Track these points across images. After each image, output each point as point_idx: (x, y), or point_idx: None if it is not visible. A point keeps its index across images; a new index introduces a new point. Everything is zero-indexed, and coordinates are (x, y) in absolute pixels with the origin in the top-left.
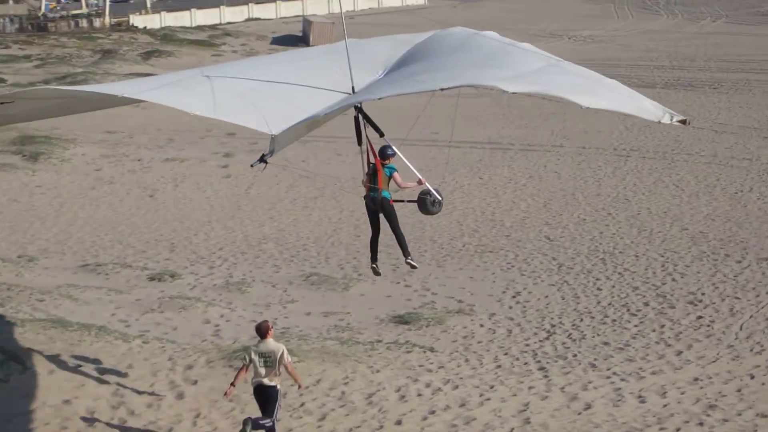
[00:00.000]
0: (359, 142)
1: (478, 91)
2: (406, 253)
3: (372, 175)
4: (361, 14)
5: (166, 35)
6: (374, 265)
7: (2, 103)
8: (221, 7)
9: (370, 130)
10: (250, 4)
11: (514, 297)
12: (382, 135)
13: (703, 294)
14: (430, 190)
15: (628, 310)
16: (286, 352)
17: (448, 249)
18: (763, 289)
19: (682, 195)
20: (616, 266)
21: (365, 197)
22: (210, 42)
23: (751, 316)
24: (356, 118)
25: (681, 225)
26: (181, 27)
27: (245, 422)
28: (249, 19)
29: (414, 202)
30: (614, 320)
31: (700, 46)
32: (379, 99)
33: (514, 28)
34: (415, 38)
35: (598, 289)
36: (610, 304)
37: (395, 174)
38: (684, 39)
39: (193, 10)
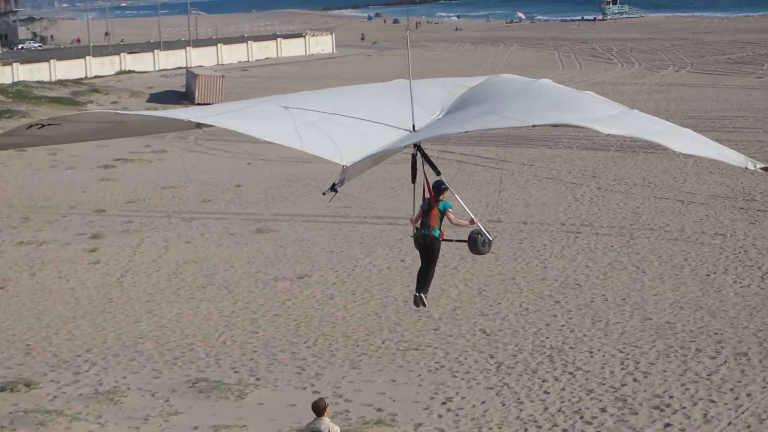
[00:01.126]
0: (413, 180)
1: (397, 158)
2: (425, 289)
3: (426, 212)
4: (256, 65)
5: (20, 92)
6: (418, 294)
7: (49, 125)
8: (87, 57)
9: (427, 168)
10: (122, 54)
11: (444, 404)
12: (438, 173)
13: (671, 397)
14: (481, 230)
15: (582, 417)
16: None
17: (364, 346)
18: (742, 390)
19: (644, 278)
20: (567, 365)
21: (415, 234)
22: (73, 100)
23: (729, 423)
24: (413, 156)
25: (643, 314)
26: (38, 82)
27: None
28: (121, 72)
29: (464, 242)
30: (565, 430)
31: (661, 100)
32: (465, 132)
33: None
34: (469, 82)
35: (545, 392)
36: (559, 411)
37: (449, 211)
38: (642, 92)
39: (52, 61)
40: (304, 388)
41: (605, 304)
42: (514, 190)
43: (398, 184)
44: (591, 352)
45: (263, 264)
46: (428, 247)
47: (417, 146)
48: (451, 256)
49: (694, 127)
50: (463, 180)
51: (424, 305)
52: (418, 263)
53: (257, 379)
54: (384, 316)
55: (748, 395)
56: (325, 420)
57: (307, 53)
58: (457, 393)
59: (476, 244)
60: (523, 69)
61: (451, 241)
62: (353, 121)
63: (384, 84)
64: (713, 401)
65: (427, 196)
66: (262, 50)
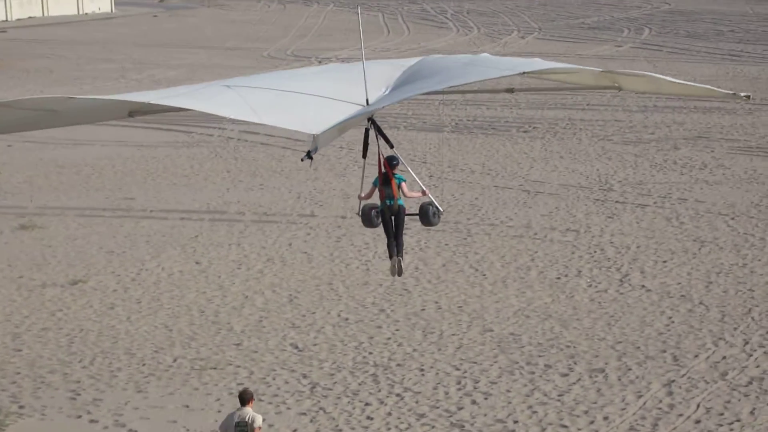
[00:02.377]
0: (364, 155)
1: (191, 139)
2: (401, 252)
3: (386, 184)
4: (18, 25)
5: None
6: (396, 259)
7: None
8: None
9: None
10: None
11: None
12: (392, 146)
13: (515, 422)
14: (432, 201)
15: None
16: (259, 420)
17: (152, 365)
18: (598, 413)
19: (484, 282)
20: (394, 385)
21: (381, 205)
22: None
23: None
24: (366, 130)
25: (483, 324)
26: None
27: None
28: None
29: (415, 215)
30: None
31: None
32: (402, 101)
33: (243, 47)
34: (407, 62)
35: (369, 418)
36: None
37: (403, 184)
38: None
39: None
40: (79, 417)
41: (438, 312)
42: (331, 178)
43: (191, 171)
44: (422, 370)
45: (28, 267)
46: (397, 216)
47: (371, 120)
48: (255, 257)
49: (542, 104)
50: (271, 166)
51: (401, 273)
52: (218, 264)
53: (21, 407)
54: (176, 329)
55: (605, 418)
56: (248, 410)
57: (81, 12)
58: (264, 420)
59: (428, 215)
60: (339, 34)
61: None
62: (305, 98)
63: (318, 67)
64: (565, 426)
65: (383, 171)
66: (23, 8)
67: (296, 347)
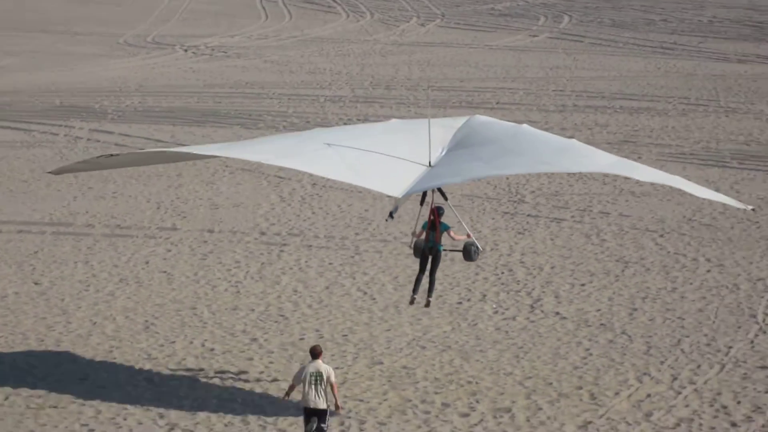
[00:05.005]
0: (422, 203)
1: (32, 138)
2: (431, 293)
3: (431, 230)
4: None
5: None
6: (415, 296)
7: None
8: None
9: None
10: None
11: None
12: (446, 199)
13: None
14: (474, 242)
15: None
16: (332, 373)
17: None
18: None
19: (373, 307)
20: (266, 426)
21: (423, 246)
22: None
23: None
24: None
25: (371, 356)
26: None
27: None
28: None
29: (460, 251)
30: None
31: (401, 64)
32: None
33: (95, 32)
34: (454, 122)
35: None
36: None
37: (450, 231)
38: (374, 52)
39: None
40: None
41: (320, 342)
42: (197, 186)
43: (31, 176)
44: (300, 408)
45: None
46: (434, 258)
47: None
48: (106, 277)
49: (445, 102)
50: (126, 171)
51: (427, 305)
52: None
53: None
54: (8, 362)
55: None
56: (320, 362)
57: None
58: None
59: (470, 252)
60: (209, 18)
61: (451, 250)
62: (387, 158)
63: (385, 123)
64: None
65: (431, 218)
66: None
67: (152, 382)
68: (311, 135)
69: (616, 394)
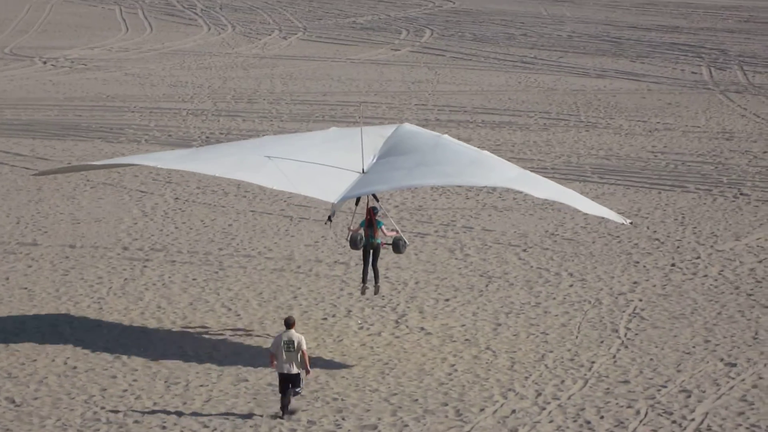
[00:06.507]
0: (357, 203)
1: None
2: (377, 280)
3: (369, 228)
4: None
5: None
6: (366, 285)
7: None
8: None
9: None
10: None
11: None
12: (377, 200)
13: None
14: (402, 237)
15: None
16: (304, 341)
17: None
18: None
19: (238, 324)
20: None
21: (363, 242)
22: None
23: None
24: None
25: (236, 374)
26: None
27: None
28: None
29: (389, 245)
30: None
31: (263, 78)
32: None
33: None
34: (384, 131)
35: None
36: None
37: (383, 227)
38: (236, 65)
39: None
40: None
41: (184, 359)
42: (57, 200)
43: None
44: (164, 427)
45: None
46: (375, 250)
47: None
48: None
49: (307, 116)
50: None
51: (376, 293)
52: None
53: None
54: None
55: None
56: (293, 332)
57: None
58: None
59: (398, 246)
60: (68, 30)
61: (384, 244)
62: (322, 168)
63: (324, 132)
64: None
65: (367, 217)
66: None
67: (12, 401)
68: (255, 146)
69: (482, 410)
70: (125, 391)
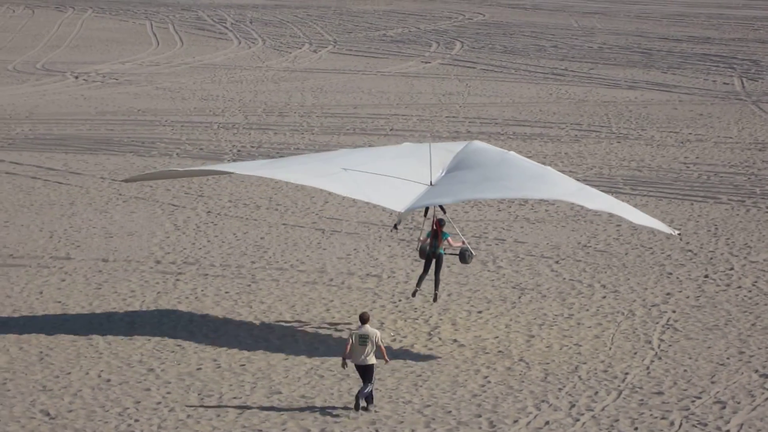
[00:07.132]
0: (426, 215)
1: None
2: (437, 288)
3: (434, 238)
4: None
5: None
6: (418, 289)
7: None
8: None
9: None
10: None
11: None
12: (444, 212)
13: None
14: (468, 248)
15: None
16: (379, 334)
17: None
18: None
19: (271, 337)
20: None
21: (428, 251)
22: None
23: None
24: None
25: (269, 386)
26: None
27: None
28: None
29: (456, 255)
30: None
31: (294, 91)
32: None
33: None
34: (454, 147)
35: None
36: None
37: (449, 238)
38: (267, 79)
39: None
40: None
41: (217, 372)
42: (90, 215)
43: None
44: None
45: None
46: (437, 260)
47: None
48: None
49: (338, 129)
50: (18, 199)
51: (435, 300)
52: None
53: None
54: None
55: None
56: (368, 327)
57: None
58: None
59: (464, 256)
60: (99, 45)
61: (449, 253)
62: (392, 180)
63: (396, 147)
64: None
65: (434, 228)
66: None
67: (47, 414)
68: (331, 157)
69: (515, 421)
70: (159, 403)
